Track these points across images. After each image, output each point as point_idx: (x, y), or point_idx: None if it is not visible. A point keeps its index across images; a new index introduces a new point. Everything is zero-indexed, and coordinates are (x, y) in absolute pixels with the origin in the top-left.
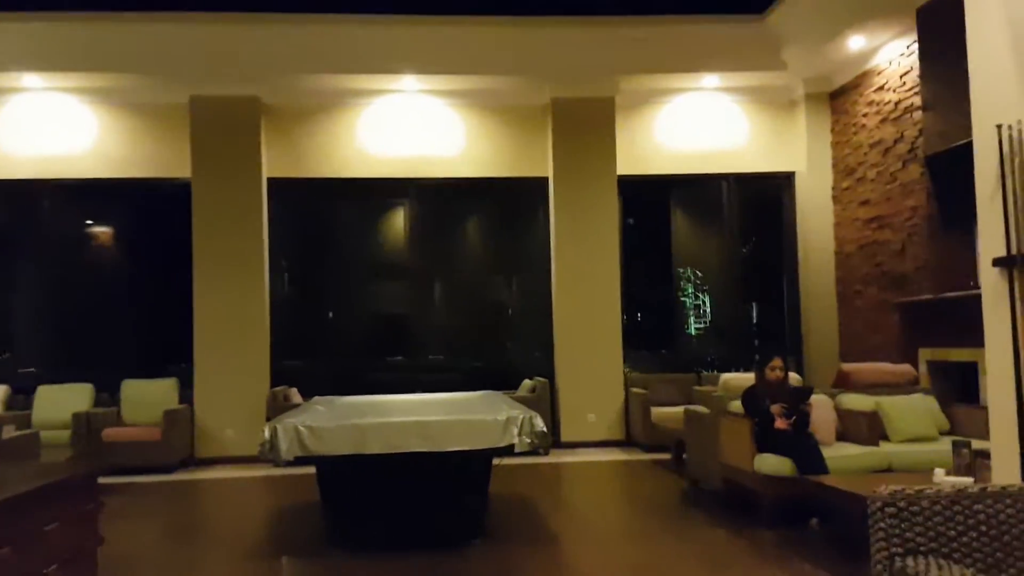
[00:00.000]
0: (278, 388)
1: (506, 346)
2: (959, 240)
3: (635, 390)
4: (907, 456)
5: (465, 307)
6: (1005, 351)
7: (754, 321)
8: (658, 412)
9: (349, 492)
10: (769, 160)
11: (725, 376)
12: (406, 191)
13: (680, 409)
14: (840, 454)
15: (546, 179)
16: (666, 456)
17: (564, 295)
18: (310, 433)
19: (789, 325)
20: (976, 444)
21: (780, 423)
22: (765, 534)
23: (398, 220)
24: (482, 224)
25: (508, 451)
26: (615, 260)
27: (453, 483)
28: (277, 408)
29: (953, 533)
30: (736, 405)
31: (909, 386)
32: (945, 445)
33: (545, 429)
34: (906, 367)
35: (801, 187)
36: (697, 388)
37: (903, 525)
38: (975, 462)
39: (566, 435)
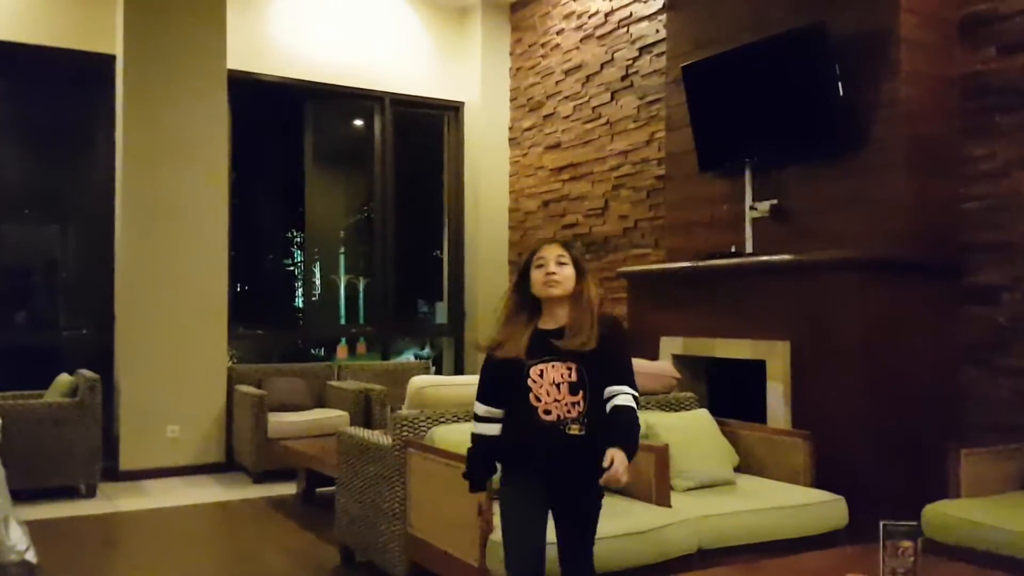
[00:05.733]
0: None
1: (54, 320)
2: (717, 189)
3: (243, 388)
4: (721, 525)
5: None
6: None
7: (404, 293)
8: (278, 422)
9: None
10: (434, 83)
11: (418, 381)
12: None
13: (310, 416)
14: (621, 530)
15: (112, 58)
16: (289, 491)
17: (136, 246)
18: None
19: (451, 300)
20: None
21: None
22: None
23: None
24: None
25: None
26: (222, 195)
27: None
28: None
29: None
30: (440, 435)
31: (669, 395)
32: (754, 498)
33: (26, 552)
34: (665, 366)
35: (471, 123)
36: (334, 385)
37: None
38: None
39: (130, 460)
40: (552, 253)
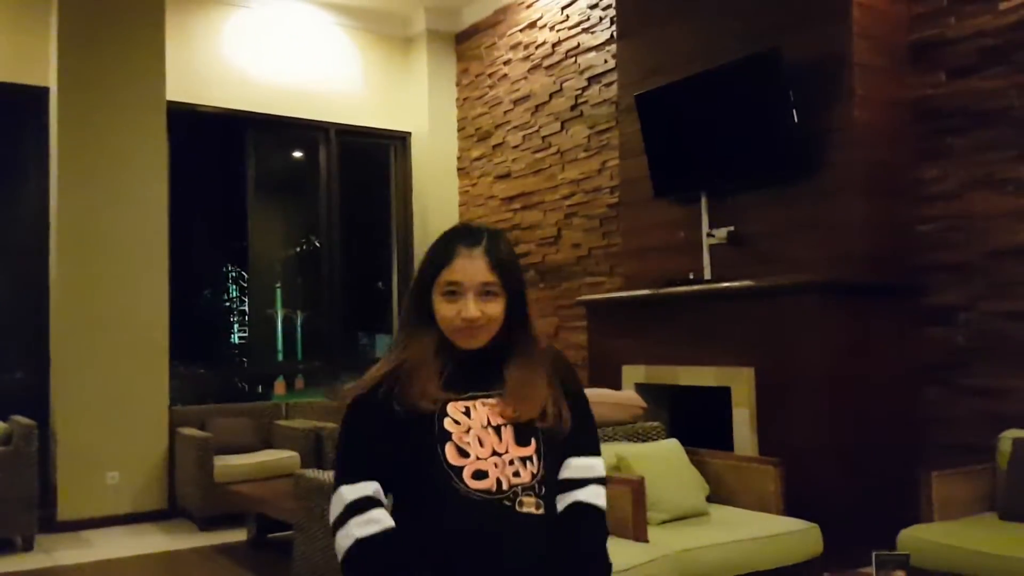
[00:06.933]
0: None
1: None
2: (672, 215)
3: (186, 431)
4: (701, 559)
5: None
6: None
7: (349, 326)
8: (225, 465)
9: None
10: (380, 113)
11: None
12: None
13: (259, 458)
14: None
15: (45, 90)
16: (238, 537)
17: (71, 284)
18: None
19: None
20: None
21: None
22: None
23: None
24: None
25: None
26: (161, 229)
27: None
28: None
29: None
30: None
31: (635, 424)
32: (730, 528)
33: None
34: (632, 395)
35: (419, 153)
36: (281, 424)
37: None
38: None
39: (68, 510)
40: (474, 279)
